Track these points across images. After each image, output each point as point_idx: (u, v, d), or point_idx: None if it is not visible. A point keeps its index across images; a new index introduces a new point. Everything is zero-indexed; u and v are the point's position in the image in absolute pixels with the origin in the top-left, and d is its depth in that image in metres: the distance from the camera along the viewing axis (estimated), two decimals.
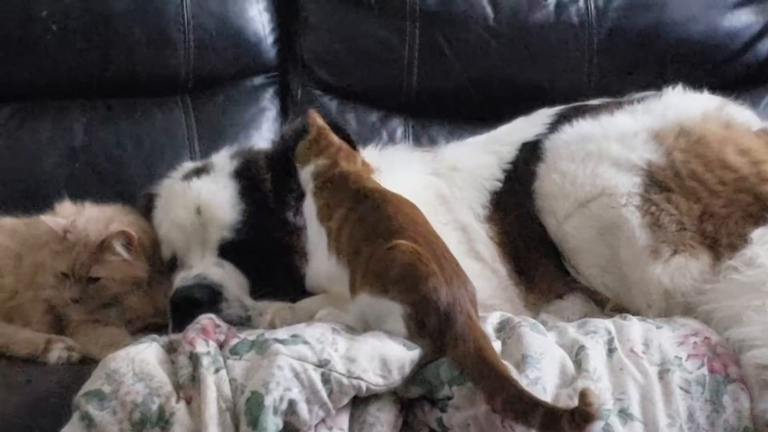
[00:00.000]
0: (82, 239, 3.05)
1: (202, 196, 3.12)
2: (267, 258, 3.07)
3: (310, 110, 3.07)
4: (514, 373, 2.53)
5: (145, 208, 3.27)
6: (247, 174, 3.16)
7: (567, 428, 2.36)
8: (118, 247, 3.07)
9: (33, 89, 3.89)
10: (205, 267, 3.06)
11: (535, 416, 2.40)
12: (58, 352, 3.00)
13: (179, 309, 2.97)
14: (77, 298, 3.06)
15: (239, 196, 3.12)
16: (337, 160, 2.93)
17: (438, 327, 2.56)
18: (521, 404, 2.42)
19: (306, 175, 2.97)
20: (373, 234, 2.69)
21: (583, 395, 2.36)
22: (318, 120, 3.01)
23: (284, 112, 4.05)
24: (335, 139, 2.99)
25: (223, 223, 3.08)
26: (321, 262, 2.85)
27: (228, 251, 3.08)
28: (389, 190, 2.85)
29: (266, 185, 3.15)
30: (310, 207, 2.93)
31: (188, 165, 3.32)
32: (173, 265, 3.14)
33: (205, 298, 2.97)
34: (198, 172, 3.21)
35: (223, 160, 3.24)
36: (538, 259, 3.16)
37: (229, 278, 3.04)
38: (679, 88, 3.32)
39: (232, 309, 2.98)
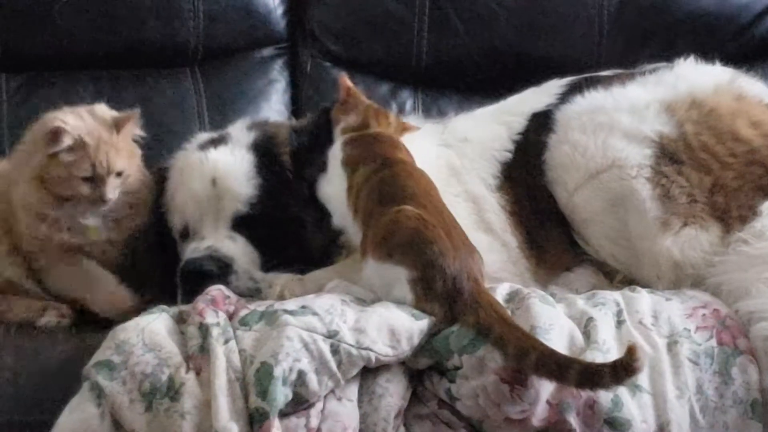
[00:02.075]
0: (99, 135, 3.02)
1: (219, 167, 3.10)
2: (280, 232, 3.06)
3: (341, 74, 3.08)
4: None
5: (158, 181, 3.25)
6: (264, 147, 3.15)
7: (608, 381, 2.40)
8: (135, 129, 3.12)
9: (42, 60, 3.89)
10: (217, 239, 3.05)
11: (570, 372, 2.42)
12: (48, 317, 3.03)
13: (189, 280, 2.97)
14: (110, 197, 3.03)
15: (256, 170, 3.10)
16: (368, 119, 2.97)
17: (445, 291, 2.58)
18: (555, 362, 2.45)
19: (337, 132, 2.99)
20: (385, 199, 2.72)
21: (630, 350, 2.39)
22: (347, 82, 3.04)
23: (294, 84, 4.05)
24: (363, 98, 3.02)
25: (238, 196, 3.07)
26: (339, 204, 2.89)
27: (241, 224, 3.07)
28: (412, 162, 2.87)
29: (285, 158, 3.13)
30: (336, 154, 2.94)
31: (204, 135, 3.30)
32: (185, 234, 3.14)
33: (215, 271, 2.97)
34: (215, 142, 3.18)
35: (240, 131, 3.22)
36: (547, 230, 3.16)
37: (241, 252, 3.04)
38: (691, 59, 3.30)
39: (241, 282, 2.98)
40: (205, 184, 3.09)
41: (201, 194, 3.09)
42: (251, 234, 3.06)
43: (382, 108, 3.02)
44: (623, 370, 2.38)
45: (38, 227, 3.06)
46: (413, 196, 2.71)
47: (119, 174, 3.05)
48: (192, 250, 3.05)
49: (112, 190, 3.03)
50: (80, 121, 3.04)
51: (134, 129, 3.13)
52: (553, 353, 2.46)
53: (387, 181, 2.78)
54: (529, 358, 2.46)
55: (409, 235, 2.60)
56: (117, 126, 3.05)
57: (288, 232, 3.07)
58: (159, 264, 3.21)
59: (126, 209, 3.14)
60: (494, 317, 2.53)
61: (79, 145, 2.99)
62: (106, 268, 3.13)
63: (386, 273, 2.63)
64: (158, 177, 3.26)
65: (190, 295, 2.83)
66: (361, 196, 2.79)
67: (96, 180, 3.01)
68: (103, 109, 3.13)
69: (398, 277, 2.61)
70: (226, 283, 2.91)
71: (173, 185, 3.19)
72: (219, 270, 2.98)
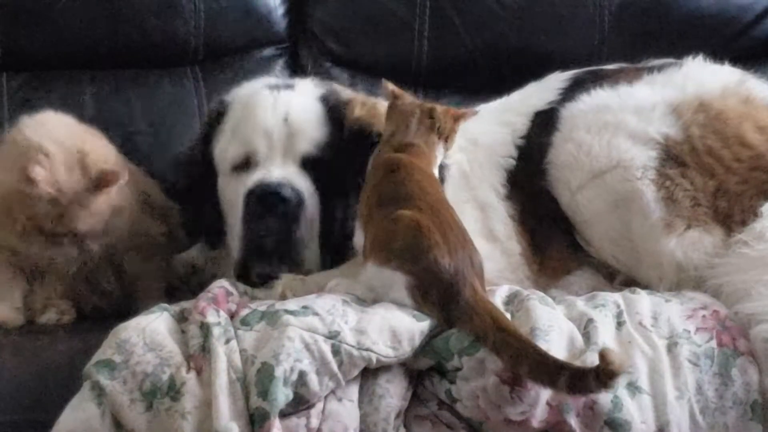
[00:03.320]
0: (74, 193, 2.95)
1: (292, 106, 3.08)
2: (338, 189, 3.03)
3: (384, 81, 3.02)
4: None
5: (215, 113, 3.21)
6: (332, 101, 3.13)
7: (593, 387, 2.40)
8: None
9: (43, 59, 3.88)
10: (288, 173, 3.01)
11: (561, 378, 2.42)
12: (49, 315, 3.04)
13: (261, 202, 2.94)
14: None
15: (325, 118, 3.08)
16: (405, 128, 2.90)
17: (441, 298, 2.58)
18: (547, 368, 2.45)
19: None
20: (384, 201, 2.71)
21: (603, 356, 2.39)
22: (390, 86, 2.99)
23: None
24: (408, 100, 2.97)
25: (311, 137, 3.05)
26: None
27: (308, 167, 3.04)
28: (410, 159, 2.84)
29: (346, 124, 3.12)
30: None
31: (269, 79, 3.28)
32: (242, 166, 3.08)
33: (292, 198, 2.94)
34: (283, 86, 3.17)
35: (307, 84, 3.22)
36: (550, 235, 3.15)
37: (309, 193, 3.01)
38: (700, 58, 3.30)
39: (303, 229, 2.97)
40: (277, 119, 3.06)
41: (272, 128, 3.05)
42: (318, 179, 3.03)
43: (426, 105, 2.96)
44: (604, 375, 2.39)
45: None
46: (411, 197, 2.69)
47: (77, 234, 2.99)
48: (261, 176, 2.99)
49: (68, 249, 3.00)
50: (61, 169, 2.94)
51: (120, 186, 3.01)
52: (545, 360, 2.46)
53: (385, 183, 2.77)
54: (522, 365, 2.46)
55: (405, 241, 2.60)
56: (98, 184, 2.96)
57: (342, 192, 3.03)
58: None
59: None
60: (489, 323, 2.53)
61: (49, 200, 2.92)
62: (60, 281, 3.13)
63: (385, 277, 2.63)
64: (215, 108, 3.23)
65: (259, 217, 2.89)
66: (362, 204, 2.79)
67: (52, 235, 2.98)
68: (93, 157, 3.03)
69: (396, 282, 2.62)
70: (295, 219, 2.93)
71: (236, 117, 3.15)
72: (296, 199, 2.95)
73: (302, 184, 3.00)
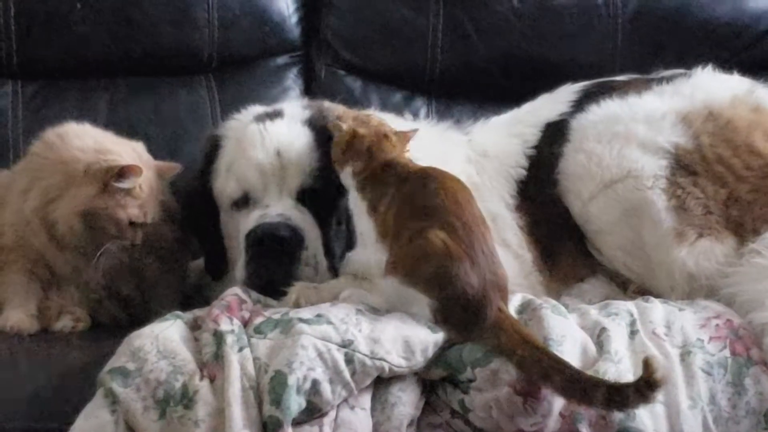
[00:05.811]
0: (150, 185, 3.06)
1: (282, 139, 3.05)
2: (338, 212, 3.01)
3: (335, 123, 2.95)
4: None
5: (210, 149, 3.21)
6: (320, 123, 3.09)
7: (633, 400, 2.40)
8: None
9: (57, 67, 3.89)
10: (286, 208, 3.00)
11: (597, 394, 2.42)
12: (63, 322, 3.04)
13: (261, 244, 2.93)
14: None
15: (315, 144, 3.05)
16: (373, 153, 2.84)
17: (463, 322, 2.57)
18: (581, 384, 2.45)
19: (346, 176, 2.88)
20: (415, 212, 2.67)
21: (647, 364, 2.39)
22: (340, 126, 2.91)
23: (308, 92, 4.04)
24: (362, 132, 2.89)
25: (304, 168, 3.02)
26: (369, 252, 2.80)
27: (305, 198, 3.03)
28: (434, 167, 2.81)
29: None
30: (357, 203, 2.85)
31: (256, 109, 3.25)
32: (241, 203, 3.08)
33: (292, 238, 2.93)
34: (271, 116, 3.14)
35: (295, 108, 3.19)
36: (561, 243, 3.15)
37: (309, 227, 2.99)
38: (709, 68, 3.30)
39: (309, 264, 2.96)
40: (268, 154, 3.03)
41: (265, 164, 3.03)
42: (315, 209, 3.02)
43: (386, 131, 2.90)
44: (646, 386, 2.38)
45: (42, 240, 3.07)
46: (442, 208, 2.65)
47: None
48: (260, 216, 2.98)
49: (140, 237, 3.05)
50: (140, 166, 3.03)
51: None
52: (578, 376, 2.46)
53: (413, 193, 2.72)
54: (554, 381, 2.46)
55: (434, 268, 2.57)
56: (160, 176, 3.12)
57: (342, 214, 3.01)
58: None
59: None
60: (517, 340, 2.53)
61: (136, 193, 3.01)
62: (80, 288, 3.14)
63: (408, 295, 2.62)
64: (209, 144, 3.22)
65: (258, 260, 2.89)
66: (388, 222, 2.73)
67: (134, 227, 3.03)
68: (144, 153, 3.17)
69: (420, 300, 2.61)
70: (296, 259, 2.93)
71: (230, 153, 3.13)
72: (295, 238, 2.93)
73: (301, 219, 2.99)
